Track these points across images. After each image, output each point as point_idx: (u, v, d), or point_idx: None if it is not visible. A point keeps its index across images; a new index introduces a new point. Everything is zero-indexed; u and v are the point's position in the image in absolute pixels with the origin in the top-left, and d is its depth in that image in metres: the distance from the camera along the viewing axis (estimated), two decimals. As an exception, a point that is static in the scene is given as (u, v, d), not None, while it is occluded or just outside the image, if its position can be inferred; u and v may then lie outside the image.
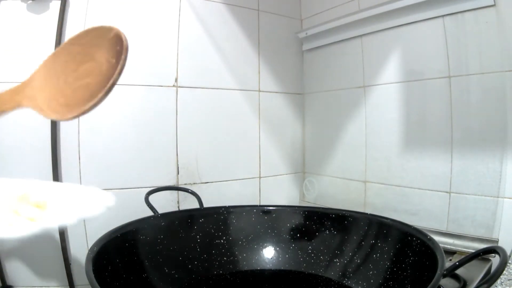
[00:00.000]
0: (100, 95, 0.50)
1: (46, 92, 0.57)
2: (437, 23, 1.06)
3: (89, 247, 0.73)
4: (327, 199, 1.45)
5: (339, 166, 1.42)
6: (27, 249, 1.07)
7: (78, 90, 0.54)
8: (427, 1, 1.05)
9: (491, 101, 0.97)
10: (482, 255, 0.65)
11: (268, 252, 1.03)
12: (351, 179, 1.36)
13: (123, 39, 0.50)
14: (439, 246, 0.70)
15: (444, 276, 0.62)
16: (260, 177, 1.44)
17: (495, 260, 0.88)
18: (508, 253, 0.88)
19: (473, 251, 0.67)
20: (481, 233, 0.99)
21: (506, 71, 0.93)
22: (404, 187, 1.18)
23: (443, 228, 1.07)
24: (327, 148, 1.45)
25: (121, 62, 0.50)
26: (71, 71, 0.56)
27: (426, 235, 0.77)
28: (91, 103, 0.51)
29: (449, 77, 1.04)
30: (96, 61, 0.53)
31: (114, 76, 0.50)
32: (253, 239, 1.04)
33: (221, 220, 1.04)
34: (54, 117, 0.57)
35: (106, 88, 0.50)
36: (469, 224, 1.01)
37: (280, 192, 1.51)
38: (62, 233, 1.08)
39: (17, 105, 0.61)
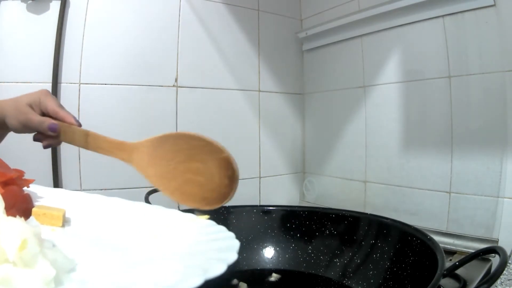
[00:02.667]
0: (216, 206, 0.64)
1: (155, 167, 0.68)
2: (437, 23, 1.06)
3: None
4: (327, 199, 1.45)
5: (339, 166, 1.42)
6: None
7: (189, 183, 0.65)
8: (427, 1, 1.05)
9: (491, 101, 0.97)
10: (482, 255, 0.65)
11: (268, 252, 1.03)
12: (351, 179, 1.36)
13: (234, 168, 0.61)
14: (439, 246, 0.70)
15: (444, 276, 0.62)
16: (260, 177, 1.44)
17: (495, 260, 0.88)
18: (508, 253, 0.88)
19: (473, 251, 0.67)
20: (481, 233, 0.99)
21: (506, 71, 0.93)
22: (404, 187, 1.18)
23: (443, 228, 1.07)
24: (327, 148, 1.45)
25: (234, 188, 0.62)
26: (180, 162, 0.65)
27: (426, 235, 0.77)
28: (206, 206, 0.65)
29: (449, 77, 1.04)
30: (207, 167, 0.63)
31: (230, 196, 0.62)
32: (253, 239, 1.04)
33: (221, 220, 1.02)
34: (162, 191, 0.69)
35: (222, 203, 0.63)
36: (469, 224, 1.01)
37: (280, 192, 1.51)
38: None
39: (118, 158, 0.70)
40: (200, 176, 0.64)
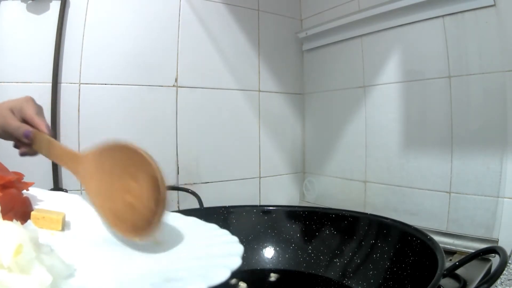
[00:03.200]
0: (142, 236, 0.54)
1: (95, 182, 0.62)
2: (437, 23, 1.06)
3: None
4: (327, 199, 1.45)
5: (339, 166, 1.42)
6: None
7: (123, 205, 0.57)
8: (427, 1, 1.05)
9: (491, 101, 0.97)
10: (482, 255, 0.65)
11: (268, 252, 1.03)
12: (351, 179, 1.36)
13: (161, 188, 0.53)
14: (439, 246, 0.70)
15: (444, 276, 0.62)
16: (260, 177, 1.45)
17: (495, 260, 0.88)
18: (508, 253, 0.88)
19: (473, 251, 0.67)
20: (481, 233, 0.99)
21: (506, 71, 0.93)
22: (404, 187, 1.18)
23: (443, 228, 1.07)
24: (327, 148, 1.45)
25: (159, 215, 0.53)
26: (117, 177, 0.59)
27: (426, 235, 0.77)
28: (135, 237, 0.55)
29: (449, 77, 1.04)
30: (139, 186, 0.56)
31: (154, 223, 0.53)
32: (253, 239, 1.04)
33: (221, 220, 1.03)
34: (97, 210, 0.61)
35: (147, 232, 0.53)
36: (469, 224, 1.01)
37: (280, 192, 1.52)
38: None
39: (69, 169, 0.68)
40: (132, 196, 0.56)
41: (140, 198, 0.55)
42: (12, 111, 0.72)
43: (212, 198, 1.22)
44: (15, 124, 0.71)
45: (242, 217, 1.05)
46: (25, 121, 0.72)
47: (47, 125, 0.72)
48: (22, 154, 0.74)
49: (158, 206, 0.53)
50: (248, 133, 1.42)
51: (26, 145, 0.73)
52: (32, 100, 0.75)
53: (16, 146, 0.75)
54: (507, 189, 0.96)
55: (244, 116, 1.41)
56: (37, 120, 0.72)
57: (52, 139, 0.71)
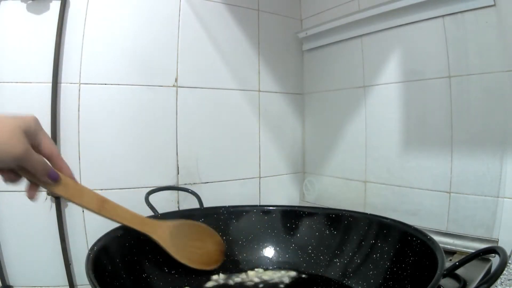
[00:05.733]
0: (212, 267, 0.95)
1: (172, 241, 0.87)
2: (437, 23, 1.06)
3: (89, 247, 0.73)
4: (327, 199, 1.45)
5: (339, 166, 1.42)
6: (28, 249, 1.07)
7: (193, 253, 0.92)
8: (427, 1, 1.05)
9: (491, 101, 0.97)
10: (482, 255, 0.65)
11: (268, 252, 1.03)
12: (351, 179, 1.36)
13: (223, 246, 0.99)
14: (439, 246, 0.70)
15: (444, 276, 0.62)
16: (260, 177, 1.45)
17: (495, 260, 0.88)
18: (508, 253, 0.88)
19: (473, 251, 0.67)
20: (481, 233, 0.99)
21: (506, 71, 0.93)
22: (404, 187, 1.18)
23: (443, 228, 1.07)
24: (327, 148, 1.45)
25: (223, 257, 0.98)
26: (189, 240, 0.93)
27: (426, 235, 0.77)
28: (203, 268, 0.93)
29: (449, 77, 1.04)
30: (205, 245, 0.96)
31: (221, 261, 0.97)
32: (253, 239, 1.04)
33: (221, 220, 1.04)
34: (174, 255, 0.87)
35: (216, 265, 0.96)
36: (469, 224, 1.01)
37: (280, 192, 1.52)
38: (62, 233, 1.08)
39: (140, 230, 0.81)
40: (200, 249, 0.94)
41: (206, 250, 0.95)
42: (24, 133, 0.56)
43: (212, 198, 1.22)
44: (38, 159, 0.59)
45: (242, 217, 1.06)
46: (34, 149, 0.59)
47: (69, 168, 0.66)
48: (8, 181, 0.60)
49: (222, 253, 0.98)
50: (248, 133, 1.42)
51: (16, 178, 0.60)
52: (40, 124, 0.62)
53: (8, 179, 0.60)
54: (507, 189, 0.96)
55: (244, 116, 1.41)
56: (61, 162, 0.65)
57: (106, 198, 0.72)
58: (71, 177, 0.67)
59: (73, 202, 0.68)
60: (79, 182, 0.68)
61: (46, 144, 0.62)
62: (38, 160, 0.59)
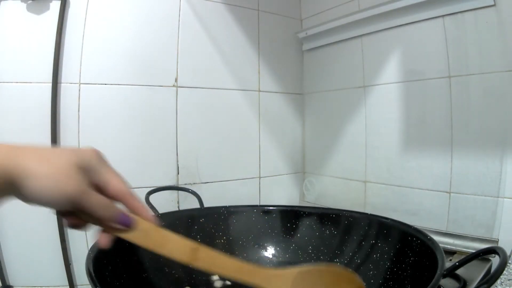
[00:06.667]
0: None
1: None
2: (437, 23, 1.06)
3: (89, 247, 0.73)
4: (327, 199, 1.45)
5: (339, 166, 1.42)
6: (28, 249, 1.07)
7: None
8: (427, 1, 1.05)
9: (491, 101, 0.98)
10: (482, 255, 0.65)
11: (268, 252, 1.03)
12: (351, 179, 1.36)
13: None
14: (439, 246, 0.70)
15: (444, 276, 0.63)
16: (260, 177, 1.45)
17: (495, 260, 0.88)
18: (508, 253, 0.88)
19: (473, 251, 0.67)
20: (481, 233, 0.99)
21: (506, 71, 0.93)
22: (404, 187, 1.18)
23: (443, 228, 1.07)
24: (327, 148, 1.45)
25: None
26: None
27: (426, 235, 0.77)
28: None
29: (449, 77, 1.04)
30: None
31: None
32: (253, 239, 1.04)
33: (221, 220, 1.04)
34: None
35: None
36: (469, 224, 1.02)
37: (280, 192, 1.52)
38: (62, 233, 1.08)
39: (252, 283, 0.62)
40: None
41: None
42: (81, 169, 0.47)
43: (212, 198, 1.23)
44: (101, 201, 0.49)
45: (243, 217, 1.06)
46: (97, 188, 0.50)
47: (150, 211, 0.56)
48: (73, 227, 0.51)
49: None
50: (248, 133, 1.42)
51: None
52: (103, 156, 0.53)
53: (74, 226, 0.51)
54: (507, 189, 0.96)
55: (244, 116, 1.41)
56: (137, 204, 0.54)
57: (199, 245, 0.57)
58: (152, 221, 0.55)
59: (156, 251, 0.56)
60: (162, 228, 0.56)
61: (113, 182, 0.51)
62: (99, 201, 0.48)
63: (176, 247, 0.57)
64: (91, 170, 0.49)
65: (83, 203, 0.46)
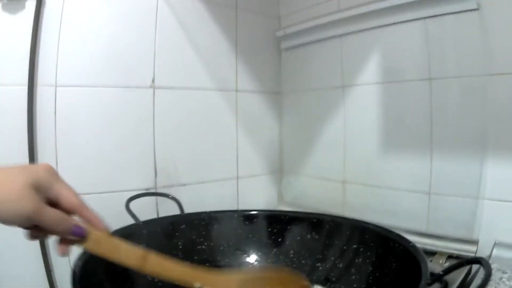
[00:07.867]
0: None
1: None
2: (418, 25, 1.06)
3: (72, 260, 0.71)
4: (306, 199, 1.45)
5: (317, 166, 1.42)
6: (8, 262, 1.04)
7: None
8: (409, 3, 1.05)
9: (471, 103, 0.98)
10: (466, 264, 0.66)
11: (250, 257, 1.03)
12: (329, 180, 1.36)
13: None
14: (422, 253, 0.71)
15: (429, 285, 0.63)
16: (238, 178, 1.44)
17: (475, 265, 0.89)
18: (489, 253, 0.89)
19: (454, 251, 0.68)
20: (461, 233, 1.00)
21: (487, 74, 0.94)
22: (383, 187, 1.18)
23: (423, 229, 1.07)
24: (305, 148, 1.45)
25: None
26: None
27: (408, 242, 0.77)
28: None
29: (430, 79, 1.05)
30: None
31: None
32: (234, 244, 1.03)
33: (202, 226, 1.03)
34: None
35: None
36: (449, 225, 1.03)
37: (258, 192, 1.51)
38: (43, 246, 1.05)
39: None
40: None
41: None
42: (34, 188, 0.50)
43: (191, 200, 1.21)
44: (54, 215, 0.52)
45: (224, 222, 1.05)
46: (52, 203, 0.54)
47: (101, 218, 0.59)
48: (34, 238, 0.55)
49: None
50: (225, 133, 1.41)
51: (42, 234, 0.54)
52: (55, 171, 0.56)
53: (35, 236, 0.54)
54: (487, 190, 0.97)
55: (222, 116, 1.40)
56: (88, 213, 0.58)
57: (148, 253, 0.61)
58: (104, 230, 0.59)
59: (109, 258, 0.59)
60: (113, 236, 0.60)
61: (66, 195, 0.55)
62: (54, 216, 0.52)
63: (127, 254, 0.61)
64: (45, 187, 0.52)
65: (39, 220, 0.50)
